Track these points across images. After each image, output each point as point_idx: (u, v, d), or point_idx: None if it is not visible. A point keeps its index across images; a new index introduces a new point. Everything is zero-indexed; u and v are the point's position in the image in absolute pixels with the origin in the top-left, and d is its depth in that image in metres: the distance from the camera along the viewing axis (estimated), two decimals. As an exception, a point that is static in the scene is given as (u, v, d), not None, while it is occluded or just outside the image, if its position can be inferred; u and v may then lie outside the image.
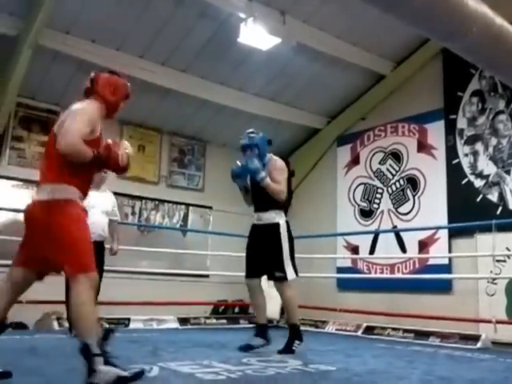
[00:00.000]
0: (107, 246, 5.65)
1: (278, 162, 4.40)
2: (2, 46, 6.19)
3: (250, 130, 4.51)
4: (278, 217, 4.30)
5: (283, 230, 4.25)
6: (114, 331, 2.77)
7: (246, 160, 4.38)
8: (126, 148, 3.05)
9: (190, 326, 7.00)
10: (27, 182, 7.04)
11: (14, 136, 7.07)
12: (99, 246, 5.36)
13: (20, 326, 6.10)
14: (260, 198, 4.36)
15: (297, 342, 4.27)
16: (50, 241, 2.73)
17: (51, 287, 5.61)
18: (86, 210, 2.93)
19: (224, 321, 7.50)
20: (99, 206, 5.40)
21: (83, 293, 2.67)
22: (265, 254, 4.27)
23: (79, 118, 2.81)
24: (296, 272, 4.30)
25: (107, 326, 3.70)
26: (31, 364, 3.42)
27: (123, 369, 2.64)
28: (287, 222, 4.36)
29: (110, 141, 3.01)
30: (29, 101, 7.18)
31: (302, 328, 7.13)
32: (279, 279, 4.20)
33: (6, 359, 3.56)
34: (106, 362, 2.61)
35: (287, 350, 4.19)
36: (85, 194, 2.93)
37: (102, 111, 3.02)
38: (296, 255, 7.48)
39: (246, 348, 4.21)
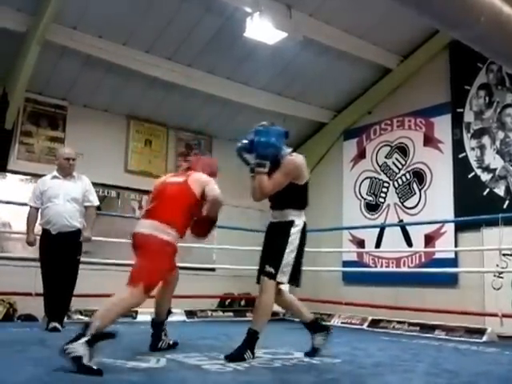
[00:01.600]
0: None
1: (286, 160, 3.65)
2: (11, 41, 6.24)
3: (262, 123, 3.84)
4: (294, 216, 3.66)
5: (295, 231, 3.62)
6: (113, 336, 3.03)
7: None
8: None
9: (196, 319, 7.05)
10: (35, 176, 7.10)
11: (23, 131, 7.14)
12: (68, 237, 5.11)
13: (29, 318, 6.18)
14: (276, 193, 3.66)
15: (249, 353, 3.45)
16: None
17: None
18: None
19: (230, 313, 7.54)
20: (64, 195, 5.13)
21: (126, 295, 3.26)
22: (266, 251, 3.72)
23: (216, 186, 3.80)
24: (294, 281, 3.62)
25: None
26: (40, 355, 3.45)
27: (97, 363, 2.84)
28: (304, 225, 3.69)
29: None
30: (37, 96, 7.24)
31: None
32: (267, 274, 3.52)
33: (16, 349, 3.63)
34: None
35: (235, 355, 3.42)
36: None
37: None
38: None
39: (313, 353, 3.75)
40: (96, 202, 5.47)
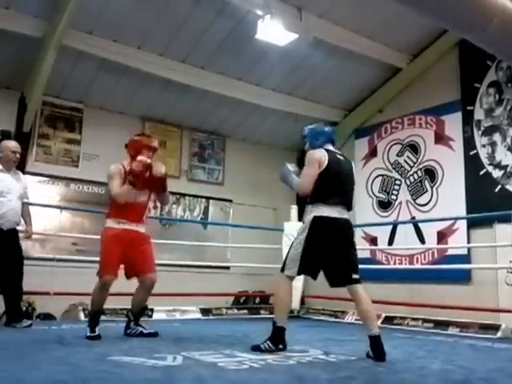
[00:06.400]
0: (21, 228, 5.25)
1: (307, 156, 3.85)
2: (28, 47, 6.37)
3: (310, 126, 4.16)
4: (307, 212, 3.80)
5: (303, 225, 3.77)
6: None
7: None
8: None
9: (211, 317, 7.09)
10: (53, 177, 7.26)
11: (41, 134, 7.28)
12: (14, 234, 5.09)
13: (48, 317, 6.29)
14: None
15: (270, 344, 3.72)
16: None
17: (77, 280, 5.80)
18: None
19: (245, 311, 7.59)
20: (15, 191, 5.04)
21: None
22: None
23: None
24: (300, 270, 3.73)
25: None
26: (59, 353, 3.48)
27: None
28: (315, 219, 3.70)
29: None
30: (54, 99, 7.37)
31: (323, 318, 7.35)
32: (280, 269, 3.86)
33: (35, 348, 3.72)
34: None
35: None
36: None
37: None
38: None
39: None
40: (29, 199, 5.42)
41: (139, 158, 4.27)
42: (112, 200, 4.38)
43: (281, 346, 3.72)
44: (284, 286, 3.80)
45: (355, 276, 3.79)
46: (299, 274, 3.76)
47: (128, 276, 4.46)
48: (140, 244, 4.42)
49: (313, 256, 3.69)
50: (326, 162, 3.74)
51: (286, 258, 3.82)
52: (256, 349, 3.70)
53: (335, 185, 3.78)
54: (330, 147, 3.92)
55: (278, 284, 3.85)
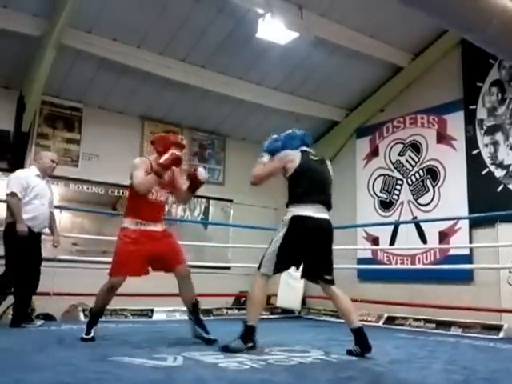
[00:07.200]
0: (47, 237, 5.42)
1: (279, 153, 3.95)
2: (27, 46, 6.36)
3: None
4: (287, 212, 3.83)
5: (282, 224, 3.80)
6: None
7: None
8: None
9: (212, 317, 7.06)
10: (52, 177, 7.20)
11: (40, 133, 7.27)
12: (40, 238, 5.23)
13: (48, 318, 6.26)
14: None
15: (240, 342, 3.72)
16: None
17: (77, 280, 5.76)
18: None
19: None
20: (47, 197, 5.20)
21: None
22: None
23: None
24: (276, 269, 3.76)
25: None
26: (59, 354, 3.48)
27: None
28: (293, 218, 3.73)
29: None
30: (53, 99, 7.37)
31: (324, 318, 7.33)
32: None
33: (35, 349, 3.69)
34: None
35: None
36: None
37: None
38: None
39: None
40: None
41: (170, 151, 4.10)
42: (132, 196, 4.24)
43: (251, 345, 3.71)
44: (259, 284, 3.78)
45: (328, 277, 3.83)
46: (275, 272, 3.78)
47: (154, 269, 4.38)
48: (162, 239, 4.29)
49: (288, 253, 3.73)
50: (298, 162, 3.80)
51: (263, 256, 3.81)
52: (225, 349, 3.65)
53: (311, 184, 3.84)
54: (305, 148, 3.97)
55: (254, 282, 3.82)
